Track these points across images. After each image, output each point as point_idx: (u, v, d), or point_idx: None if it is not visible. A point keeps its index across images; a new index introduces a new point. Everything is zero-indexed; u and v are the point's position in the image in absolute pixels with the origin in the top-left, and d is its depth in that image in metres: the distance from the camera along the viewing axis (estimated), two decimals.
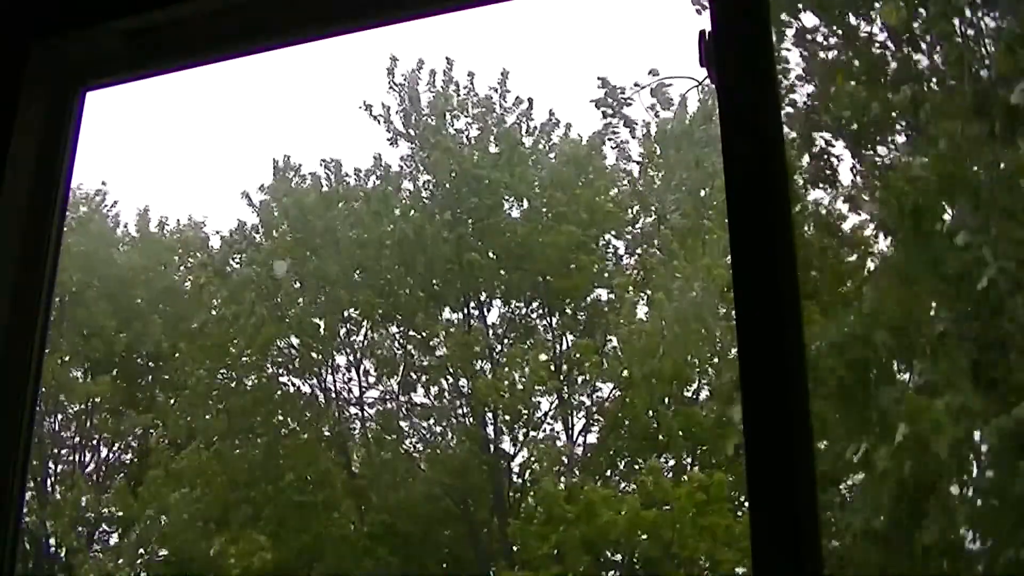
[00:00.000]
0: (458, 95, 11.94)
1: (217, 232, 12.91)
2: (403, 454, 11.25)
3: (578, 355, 10.95)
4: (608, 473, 10.73)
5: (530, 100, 11.90)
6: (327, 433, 11.55)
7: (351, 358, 11.72)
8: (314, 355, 11.64)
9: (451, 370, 11.32)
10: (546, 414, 11.03)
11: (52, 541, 11.20)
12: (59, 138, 2.33)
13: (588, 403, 11.08)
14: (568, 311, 11.50)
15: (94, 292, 12.46)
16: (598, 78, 10.24)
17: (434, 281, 11.39)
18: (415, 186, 11.91)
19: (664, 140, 11.69)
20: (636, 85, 9.91)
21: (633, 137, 11.62)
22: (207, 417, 11.44)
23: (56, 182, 2.31)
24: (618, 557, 10.22)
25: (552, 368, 10.96)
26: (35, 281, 2.24)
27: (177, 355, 11.68)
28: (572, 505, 9.69)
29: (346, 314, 11.67)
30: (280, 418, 11.49)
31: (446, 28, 11.48)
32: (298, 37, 2.49)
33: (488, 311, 11.61)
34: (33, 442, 2.29)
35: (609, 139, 11.61)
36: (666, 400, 10.59)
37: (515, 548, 10.54)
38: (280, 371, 11.73)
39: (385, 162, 12.00)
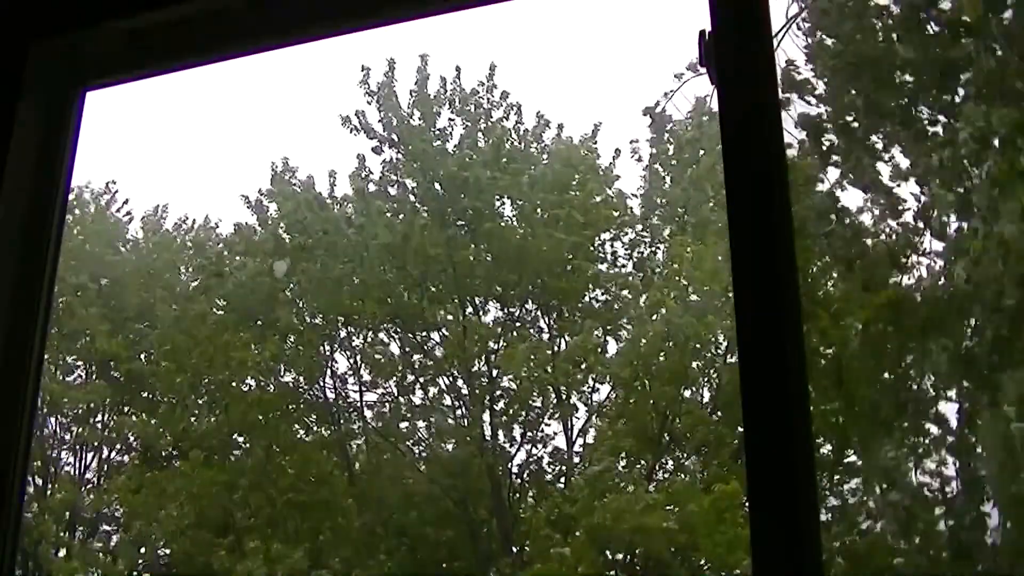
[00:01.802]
0: (446, 93, 11.94)
1: (216, 235, 12.93)
2: (402, 455, 11.25)
3: (577, 356, 10.94)
4: (608, 472, 10.71)
5: (518, 105, 11.92)
6: (327, 435, 11.55)
7: (350, 360, 11.73)
8: (313, 357, 11.64)
9: (449, 371, 11.32)
10: (544, 414, 11.03)
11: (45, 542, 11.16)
12: (59, 138, 2.33)
13: (587, 404, 11.08)
14: (566, 312, 11.49)
15: (91, 293, 12.46)
16: (644, 110, 10.04)
17: (429, 283, 11.38)
18: (406, 187, 11.91)
19: (673, 140, 11.69)
20: (666, 95, 9.70)
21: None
22: (208, 420, 11.42)
23: (56, 182, 2.32)
24: (626, 558, 10.20)
25: (551, 368, 10.94)
26: (35, 281, 2.25)
27: (176, 357, 11.65)
28: (594, 506, 9.65)
29: (344, 317, 11.66)
30: (280, 419, 11.48)
31: (442, 29, 11.48)
32: (298, 37, 2.50)
33: (484, 312, 11.61)
34: (33, 442, 2.29)
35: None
36: (666, 402, 10.58)
37: (515, 549, 10.55)
38: (280, 373, 11.72)
39: (372, 165, 12.03)
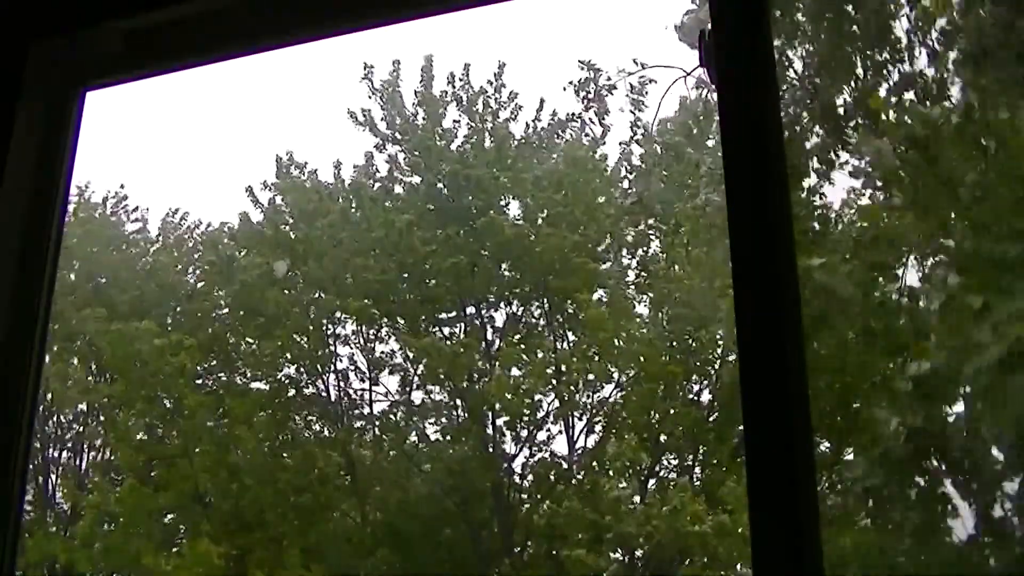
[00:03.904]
0: (452, 92, 11.94)
1: (218, 232, 12.93)
2: (404, 454, 11.24)
3: (578, 356, 10.93)
4: (610, 472, 10.72)
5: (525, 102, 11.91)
6: (328, 434, 11.54)
7: (352, 359, 11.72)
8: (315, 356, 11.63)
9: (451, 371, 11.30)
10: (547, 414, 11.02)
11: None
12: (59, 138, 2.33)
13: (588, 403, 11.06)
14: (569, 311, 11.48)
15: (92, 292, 12.45)
16: (580, 61, 10.05)
17: (431, 282, 11.37)
18: (408, 186, 11.91)
19: (664, 138, 11.69)
20: (622, 71, 9.77)
21: (603, 125, 11.68)
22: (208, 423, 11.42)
23: (56, 182, 2.32)
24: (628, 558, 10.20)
25: (553, 368, 10.94)
26: (35, 281, 2.25)
27: (178, 355, 11.63)
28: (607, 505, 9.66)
29: (345, 316, 11.65)
30: (282, 419, 11.48)
31: (440, 27, 11.46)
32: (298, 37, 2.50)
33: (487, 311, 11.60)
34: (34, 442, 2.29)
35: (583, 129, 11.66)
36: (667, 400, 10.58)
37: (517, 550, 10.54)
38: (282, 372, 11.72)
39: (376, 163, 12.05)
